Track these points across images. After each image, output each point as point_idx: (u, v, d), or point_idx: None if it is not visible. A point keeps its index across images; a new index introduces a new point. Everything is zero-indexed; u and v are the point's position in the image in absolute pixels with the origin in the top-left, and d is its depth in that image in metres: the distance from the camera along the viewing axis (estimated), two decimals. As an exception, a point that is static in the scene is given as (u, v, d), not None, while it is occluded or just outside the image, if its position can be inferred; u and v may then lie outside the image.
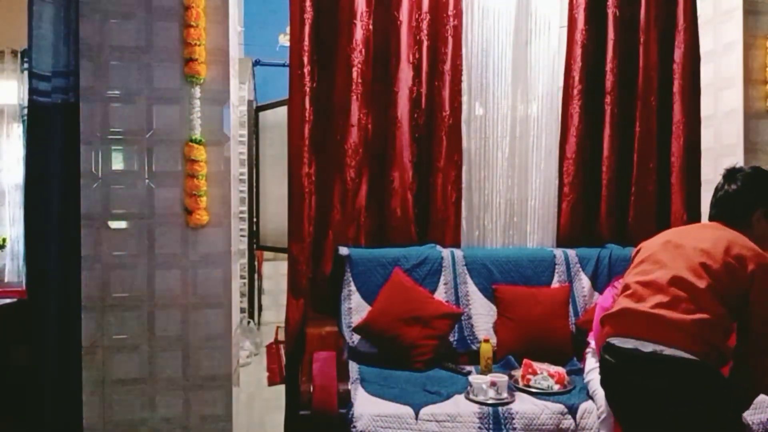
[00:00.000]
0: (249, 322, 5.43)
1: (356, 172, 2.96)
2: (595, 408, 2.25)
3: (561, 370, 2.46)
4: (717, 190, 1.85)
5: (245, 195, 4.72)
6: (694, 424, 1.60)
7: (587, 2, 3.06)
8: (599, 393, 2.19)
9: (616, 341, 1.71)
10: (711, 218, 1.84)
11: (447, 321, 2.75)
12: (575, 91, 3.07)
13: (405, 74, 3.00)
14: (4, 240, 3.55)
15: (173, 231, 2.58)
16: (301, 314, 2.86)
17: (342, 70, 2.94)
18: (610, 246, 3.03)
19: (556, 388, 2.37)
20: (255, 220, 4.22)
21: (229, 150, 2.65)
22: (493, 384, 2.30)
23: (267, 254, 5.93)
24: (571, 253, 2.98)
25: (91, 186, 2.54)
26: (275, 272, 6.32)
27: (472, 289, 2.88)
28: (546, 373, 2.42)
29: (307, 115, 2.90)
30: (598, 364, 2.27)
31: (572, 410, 2.24)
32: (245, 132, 4.58)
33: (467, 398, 2.29)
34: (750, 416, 2.23)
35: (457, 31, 3.03)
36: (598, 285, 2.91)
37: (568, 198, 3.09)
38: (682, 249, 1.73)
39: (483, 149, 3.17)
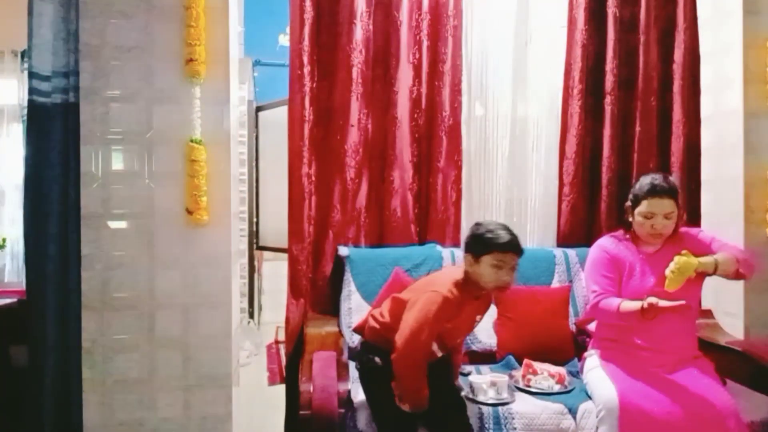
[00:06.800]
0: (249, 322, 5.43)
1: (356, 172, 2.96)
2: (594, 410, 2.25)
3: (561, 370, 2.46)
4: None
5: (245, 195, 4.72)
6: None
7: (587, 2, 3.05)
8: (597, 392, 2.20)
9: None
10: None
11: (447, 321, 2.75)
12: (575, 91, 3.06)
13: (405, 74, 3.00)
14: (4, 240, 3.55)
15: (173, 231, 2.58)
16: (301, 314, 2.86)
17: (342, 70, 2.94)
18: (610, 246, 3.02)
19: (557, 388, 2.37)
20: (255, 220, 4.22)
21: (229, 150, 2.65)
22: (493, 384, 2.30)
23: (267, 254, 5.92)
24: (571, 253, 2.97)
25: (91, 186, 2.54)
26: (275, 272, 6.30)
27: (472, 289, 2.87)
28: (546, 373, 2.41)
29: (307, 115, 2.90)
30: (598, 364, 2.28)
31: (572, 410, 2.24)
32: (245, 132, 4.57)
33: (467, 398, 2.28)
34: (750, 417, 2.23)
35: (457, 31, 3.03)
36: (598, 285, 2.90)
37: (568, 198, 3.09)
38: None
39: (483, 149, 3.17)
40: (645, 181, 2.31)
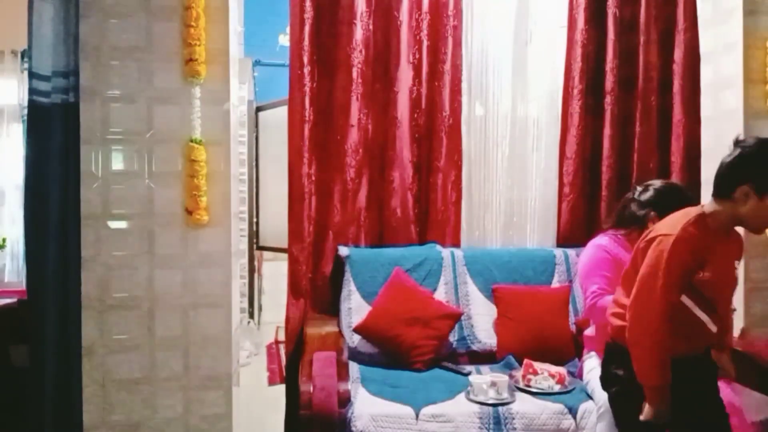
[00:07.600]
0: (249, 322, 5.43)
1: (356, 172, 2.97)
2: (595, 409, 2.25)
3: (562, 370, 2.46)
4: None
5: (245, 195, 4.71)
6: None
7: (587, 2, 3.06)
8: (598, 390, 2.19)
9: None
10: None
11: (447, 321, 2.75)
12: (575, 91, 3.07)
13: (405, 74, 3.01)
14: (4, 240, 3.55)
15: (173, 231, 2.57)
16: (301, 314, 2.86)
17: (342, 70, 2.94)
18: (610, 246, 3.02)
19: (557, 388, 2.37)
20: (255, 220, 4.22)
21: (229, 150, 2.65)
22: (493, 384, 2.30)
23: (267, 254, 5.92)
24: (571, 253, 2.97)
25: (91, 186, 2.54)
26: (275, 272, 6.30)
27: (472, 289, 2.88)
28: (546, 373, 2.42)
29: (307, 115, 2.90)
30: (599, 365, 2.28)
31: (572, 410, 2.24)
32: (245, 132, 4.56)
33: (467, 398, 2.29)
34: (751, 417, 2.23)
35: (457, 31, 3.04)
36: (598, 285, 2.90)
37: (568, 198, 3.09)
38: None
39: (483, 149, 3.17)
40: None
